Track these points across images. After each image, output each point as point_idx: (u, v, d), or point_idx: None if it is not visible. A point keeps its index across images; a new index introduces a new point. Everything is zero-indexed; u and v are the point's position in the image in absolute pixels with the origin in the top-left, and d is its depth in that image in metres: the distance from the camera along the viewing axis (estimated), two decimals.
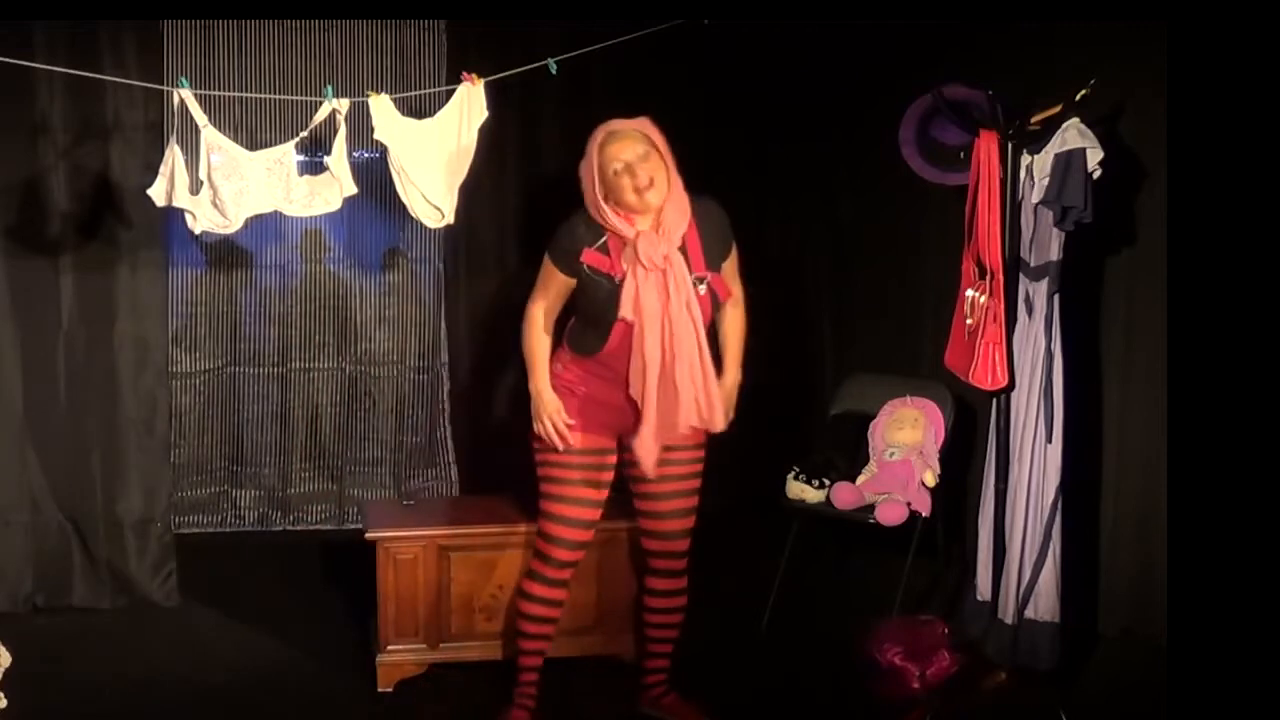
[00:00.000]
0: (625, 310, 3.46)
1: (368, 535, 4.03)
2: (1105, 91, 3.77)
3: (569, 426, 3.62)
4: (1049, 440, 3.86)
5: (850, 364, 5.33)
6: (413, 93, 4.76)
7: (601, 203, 3.50)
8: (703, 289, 3.53)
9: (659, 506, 3.73)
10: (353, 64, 5.38)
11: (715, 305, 3.61)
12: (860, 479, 4.46)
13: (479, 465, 5.45)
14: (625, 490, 3.82)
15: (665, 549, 3.78)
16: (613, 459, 3.72)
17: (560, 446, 3.62)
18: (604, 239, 3.53)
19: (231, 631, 4.52)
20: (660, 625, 3.85)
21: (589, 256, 3.52)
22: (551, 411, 3.61)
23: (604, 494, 3.72)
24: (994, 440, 3.97)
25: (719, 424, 3.60)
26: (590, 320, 3.58)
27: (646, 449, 3.55)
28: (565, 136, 5.42)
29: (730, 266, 3.68)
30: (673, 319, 3.46)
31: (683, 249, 3.52)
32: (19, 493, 4.62)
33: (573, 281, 3.56)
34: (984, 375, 3.84)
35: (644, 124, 3.53)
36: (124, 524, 4.69)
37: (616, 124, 3.52)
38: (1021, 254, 3.88)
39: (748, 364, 5.16)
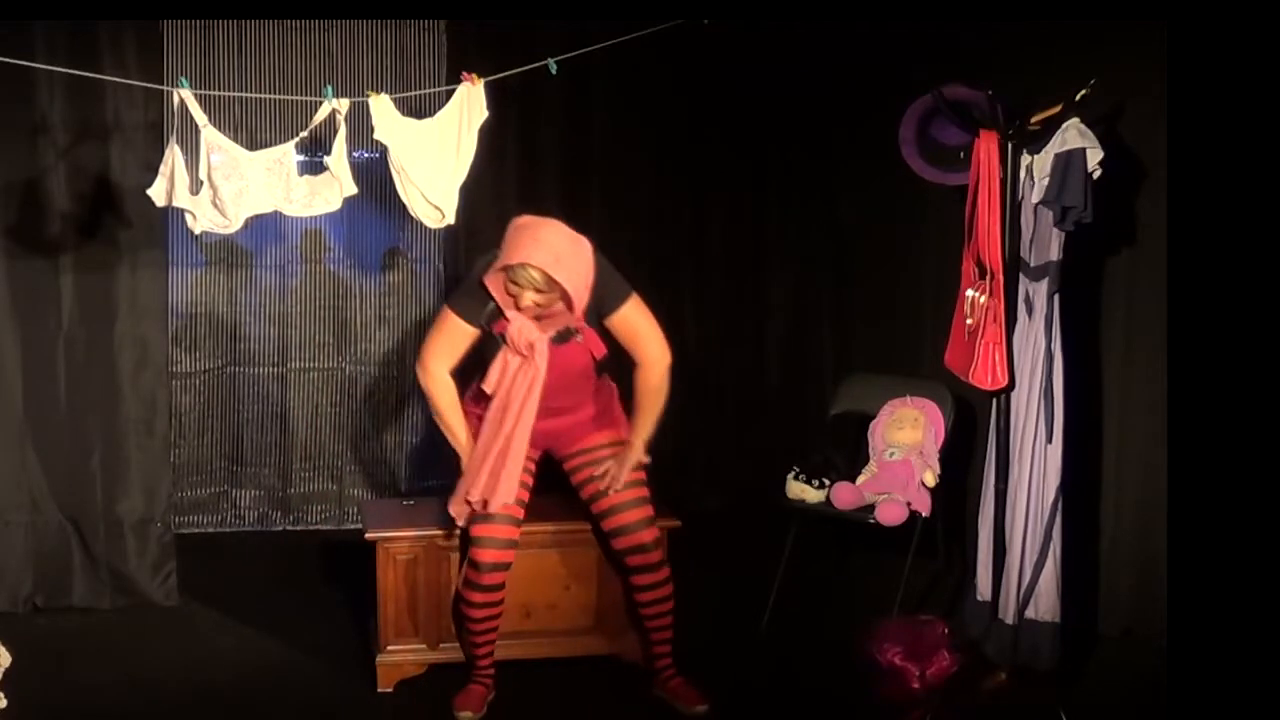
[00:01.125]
0: (489, 384, 3.73)
1: (368, 535, 4.03)
2: (1105, 91, 3.77)
3: None
4: (1049, 440, 3.86)
5: (850, 364, 5.33)
6: (413, 93, 4.76)
7: (492, 287, 3.65)
8: (578, 338, 3.72)
9: (613, 501, 3.84)
10: (353, 64, 5.38)
11: (593, 359, 3.80)
12: (860, 479, 4.46)
13: None
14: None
15: (635, 543, 3.83)
16: (530, 465, 3.88)
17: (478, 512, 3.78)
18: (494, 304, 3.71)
19: (231, 631, 4.51)
20: (654, 616, 3.90)
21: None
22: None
23: (525, 495, 3.85)
24: (994, 440, 3.97)
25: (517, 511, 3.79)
26: (484, 364, 3.78)
27: (457, 503, 3.78)
28: (565, 136, 5.44)
29: (624, 318, 3.73)
30: (522, 404, 3.69)
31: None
32: (19, 493, 4.62)
33: (474, 334, 3.74)
34: (984, 375, 3.84)
35: (563, 268, 3.54)
36: (124, 524, 4.69)
37: (534, 253, 3.52)
38: (1021, 254, 3.88)
39: (749, 364, 5.16)
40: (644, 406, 3.83)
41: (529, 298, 3.57)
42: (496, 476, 3.72)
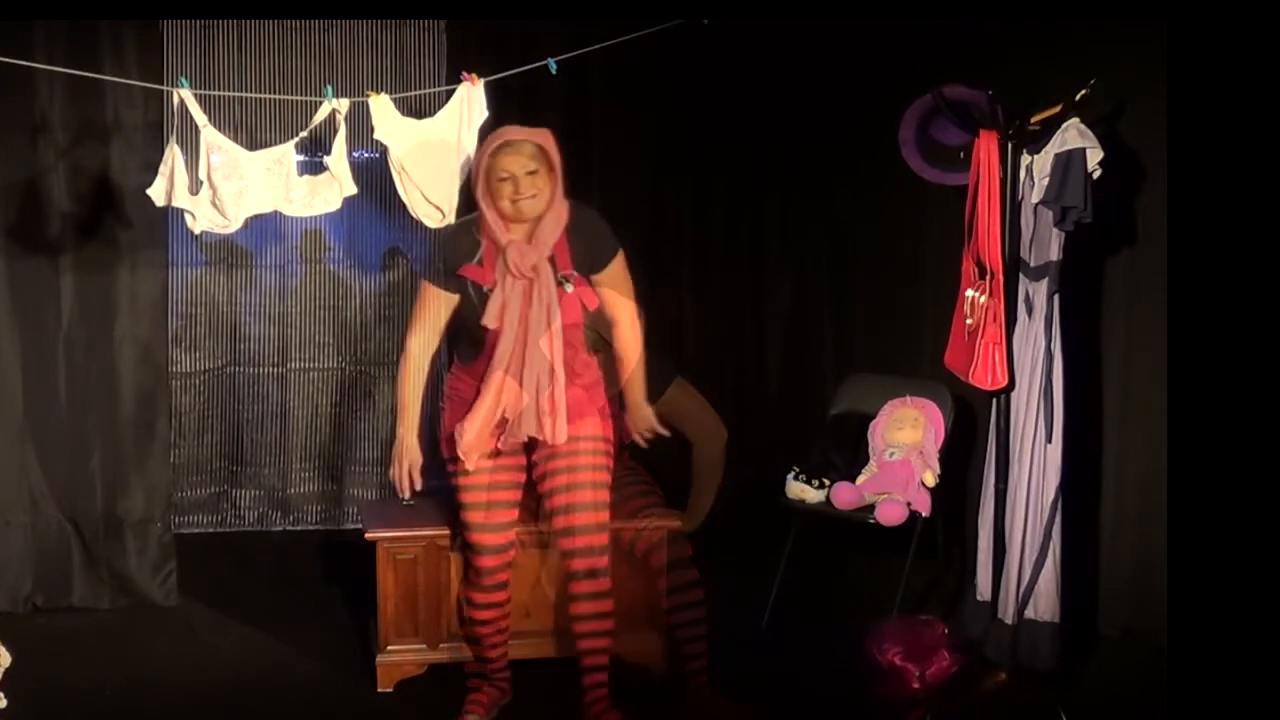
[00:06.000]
0: (489, 319, 3.50)
1: (368, 535, 4.03)
2: (1105, 91, 3.77)
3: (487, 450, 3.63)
4: (1049, 440, 3.86)
5: (850, 364, 5.33)
6: (413, 93, 4.76)
7: (483, 204, 3.50)
8: (569, 288, 3.53)
9: (569, 499, 3.65)
10: (353, 64, 5.38)
11: (585, 311, 3.61)
12: (860, 479, 4.46)
13: None
14: (619, 491, 3.87)
15: (585, 544, 3.66)
16: (521, 460, 3.74)
17: (405, 496, 3.66)
18: (479, 253, 3.53)
19: (231, 631, 4.51)
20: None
21: (468, 270, 3.54)
22: (410, 462, 3.61)
23: (517, 494, 3.75)
24: (994, 440, 3.97)
25: (560, 438, 3.57)
26: (468, 333, 3.61)
27: (466, 440, 3.57)
28: (565, 136, 5.42)
29: (612, 276, 3.61)
30: (529, 325, 3.49)
31: (551, 257, 3.52)
32: (19, 493, 4.62)
33: (455, 299, 3.56)
34: (984, 375, 3.84)
35: (543, 136, 3.51)
36: (124, 524, 4.69)
37: (513, 133, 3.49)
38: (1021, 254, 3.88)
39: (749, 364, 5.15)
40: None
41: (524, 182, 3.43)
42: (541, 411, 3.53)
